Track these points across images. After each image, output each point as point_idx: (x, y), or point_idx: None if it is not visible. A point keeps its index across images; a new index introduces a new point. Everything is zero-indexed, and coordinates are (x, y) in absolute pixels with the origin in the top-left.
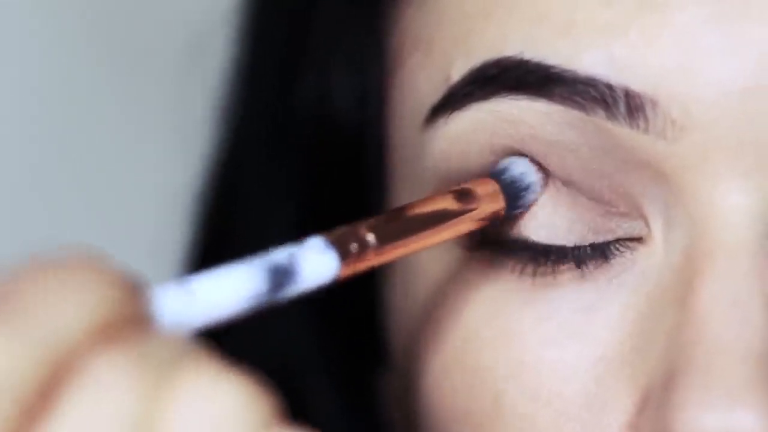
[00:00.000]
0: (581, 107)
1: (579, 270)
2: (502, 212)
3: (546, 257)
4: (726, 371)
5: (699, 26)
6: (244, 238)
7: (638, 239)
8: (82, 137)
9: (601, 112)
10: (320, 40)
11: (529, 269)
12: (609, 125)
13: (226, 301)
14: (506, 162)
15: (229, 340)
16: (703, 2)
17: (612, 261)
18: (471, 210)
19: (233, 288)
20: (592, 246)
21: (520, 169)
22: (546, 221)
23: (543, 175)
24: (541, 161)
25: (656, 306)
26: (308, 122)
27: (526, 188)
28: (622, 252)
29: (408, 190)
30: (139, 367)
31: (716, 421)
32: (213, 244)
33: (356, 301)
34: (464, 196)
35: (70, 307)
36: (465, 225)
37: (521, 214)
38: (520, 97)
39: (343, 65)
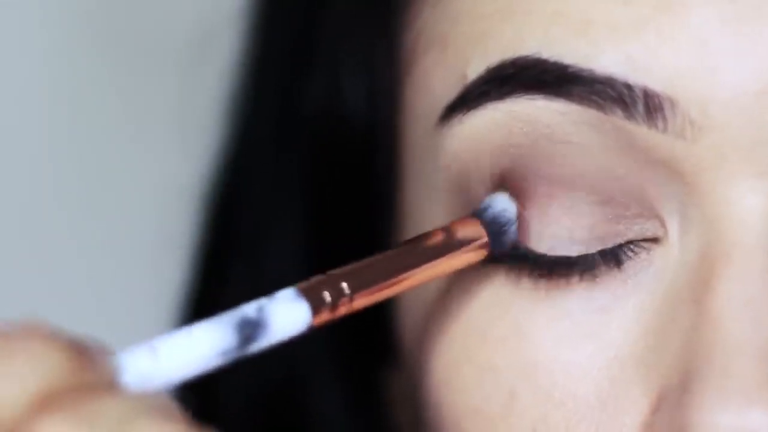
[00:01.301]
0: (599, 107)
1: (591, 275)
2: (486, 251)
3: (557, 269)
4: (742, 371)
5: (714, 27)
6: (249, 238)
7: (653, 239)
8: (87, 136)
9: (619, 112)
10: (331, 37)
11: (543, 280)
12: (627, 125)
13: (193, 360)
14: (487, 199)
15: None
16: (718, 4)
17: (626, 264)
18: (451, 251)
19: (200, 346)
20: (601, 253)
21: (502, 205)
22: (554, 235)
23: (521, 206)
24: (554, 160)
25: (671, 306)
26: (316, 121)
27: (508, 223)
28: (637, 253)
29: (420, 190)
30: (87, 430)
31: (732, 421)
32: (218, 244)
33: None
34: (445, 237)
35: (14, 378)
36: (443, 267)
37: (529, 232)
38: (537, 96)
39: (354, 63)
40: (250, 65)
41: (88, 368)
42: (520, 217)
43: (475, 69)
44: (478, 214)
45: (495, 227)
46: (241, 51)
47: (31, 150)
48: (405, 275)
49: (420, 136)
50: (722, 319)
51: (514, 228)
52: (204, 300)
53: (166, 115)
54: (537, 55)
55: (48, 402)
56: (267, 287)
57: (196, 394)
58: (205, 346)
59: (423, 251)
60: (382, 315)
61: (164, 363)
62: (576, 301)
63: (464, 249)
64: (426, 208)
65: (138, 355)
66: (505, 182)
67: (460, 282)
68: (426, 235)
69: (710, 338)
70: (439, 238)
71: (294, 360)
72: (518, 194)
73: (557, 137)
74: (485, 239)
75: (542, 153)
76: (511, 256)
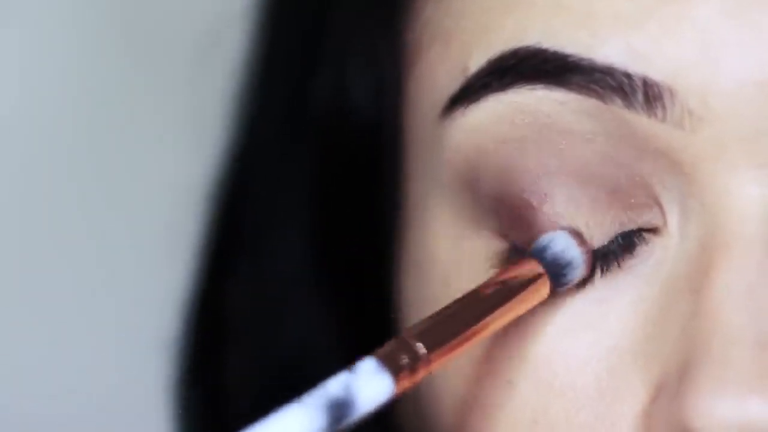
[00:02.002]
0: (599, 96)
1: (610, 265)
2: (547, 293)
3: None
4: (740, 360)
5: (717, 19)
6: (255, 236)
7: (654, 230)
8: (94, 134)
9: (618, 101)
10: (337, 36)
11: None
12: (626, 114)
13: None
14: (546, 238)
15: (242, 341)
16: None
17: (636, 251)
18: (515, 295)
19: None
20: (622, 235)
21: (561, 245)
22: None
23: (586, 248)
24: (557, 151)
25: (670, 296)
26: (323, 118)
27: (569, 264)
28: (640, 243)
29: (425, 184)
30: None
31: (730, 410)
32: (225, 242)
33: (369, 298)
34: (507, 282)
35: None
36: (511, 313)
37: (546, 231)
38: (537, 86)
39: (360, 61)
40: (257, 64)
41: None
42: (532, 224)
43: (477, 61)
44: (536, 253)
45: (556, 268)
46: (248, 50)
47: (39, 148)
48: (475, 328)
49: (424, 130)
50: (721, 309)
51: (578, 269)
52: (210, 298)
53: (174, 113)
54: (538, 46)
55: None
56: (273, 284)
57: (202, 385)
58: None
59: (487, 300)
60: (385, 313)
61: None
62: (577, 291)
63: (527, 292)
64: (432, 202)
65: None
66: (514, 177)
67: (465, 278)
68: (488, 283)
69: (708, 328)
70: (499, 284)
71: (300, 360)
72: (531, 192)
73: (558, 127)
74: (547, 280)
75: (546, 144)
76: None
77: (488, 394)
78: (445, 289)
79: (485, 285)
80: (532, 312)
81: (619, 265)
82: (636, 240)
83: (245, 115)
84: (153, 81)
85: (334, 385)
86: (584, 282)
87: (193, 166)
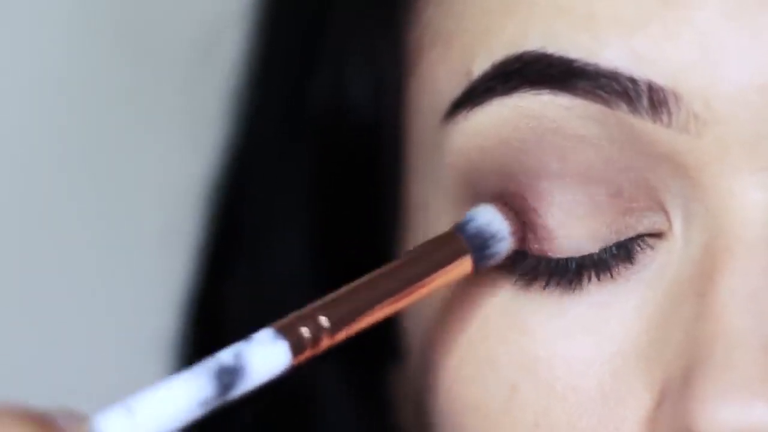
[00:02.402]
0: (604, 101)
1: (607, 272)
2: (470, 268)
3: (576, 271)
4: (744, 364)
5: (718, 22)
6: (253, 237)
7: (658, 235)
8: (93, 134)
9: (623, 106)
10: (336, 36)
11: (554, 284)
12: (631, 119)
13: (172, 415)
14: (471, 212)
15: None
16: None
17: (635, 259)
18: (432, 272)
19: (178, 400)
20: (617, 245)
21: (486, 218)
22: (568, 234)
23: (517, 222)
24: (560, 154)
25: (674, 300)
26: (322, 119)
27: (492, 237)
28: (643, 249)
29: (426, 186)
30: None
31: (734, 414)
32: (223, 243)
33: None
34: (426, 256)
35: None
36: (428, 288)
37: (542, 233)
38: (542, 91)
39: (359, 61)
40: (256, 64)
41: None
42: (528, 225)
43: (480, 65)
44: (459, 228)
45: (478, 241)
46: (246, 50)
47: (37, 148)
48: (386, 302)
49: (425, 132)
50: (725, 312)
51: (503, 242)
52: (208, 300)
53: (172, 113)
54: (542, 50)
55: None
56: (271, 286)
57: None
58: (182, 399)
59: (402, 275)
60: None
61: (142, 422)
62: (577, 296)
63: (446, 268)
64: (433, 204)
65: (114, 418)
66: (514, 180)
67: (466, 283)
68: (406, 256)
69: (713, 331)
70: (419, 258)
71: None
72: (530, 193)
73: (563, 132)
74: (468, 255)
75: (549, 148)
76: (524, 263)
77: (491, 398)
78: (447, 292)
79: (403, 259)
80: (534, 315)
81: (612, 275)
82: (638, 247)
83: (244, 115)
84: (153, 81)
85: (225, 354)
86: (575, 287)
87: (192, 166)
